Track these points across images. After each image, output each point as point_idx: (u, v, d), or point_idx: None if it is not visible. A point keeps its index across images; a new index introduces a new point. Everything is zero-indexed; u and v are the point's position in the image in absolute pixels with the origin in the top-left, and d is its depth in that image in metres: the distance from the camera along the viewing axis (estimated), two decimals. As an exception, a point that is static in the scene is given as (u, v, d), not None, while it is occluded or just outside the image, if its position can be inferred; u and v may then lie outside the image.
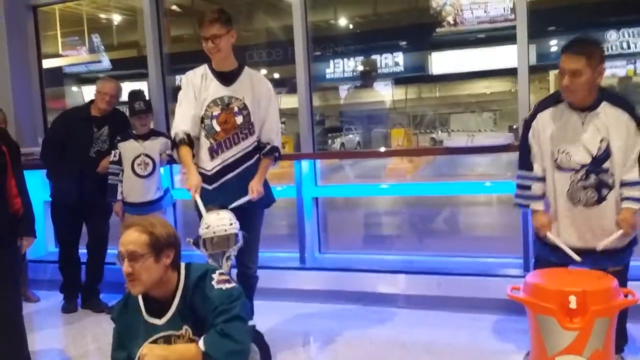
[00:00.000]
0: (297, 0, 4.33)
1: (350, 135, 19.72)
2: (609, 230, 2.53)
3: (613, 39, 13.71)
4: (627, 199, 2.51)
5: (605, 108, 2.51)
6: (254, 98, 2.99)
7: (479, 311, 3.63)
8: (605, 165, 2.50)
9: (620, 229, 2.50)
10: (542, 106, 2.64)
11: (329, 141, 18.56)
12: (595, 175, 2.51)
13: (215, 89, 2.98)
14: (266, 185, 3.08)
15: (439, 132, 17.60)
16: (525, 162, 2.68)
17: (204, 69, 3.03)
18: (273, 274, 4.14)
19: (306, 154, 4.37)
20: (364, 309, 3.86)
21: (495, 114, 17.73)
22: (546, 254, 2.70)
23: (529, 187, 2.67)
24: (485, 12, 14.18)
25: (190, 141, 2.93)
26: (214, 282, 1.95)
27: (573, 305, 2.25)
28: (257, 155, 3.04)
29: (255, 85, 3.02)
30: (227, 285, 1.95)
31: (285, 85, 6.76)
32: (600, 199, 2.53)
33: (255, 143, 3.03)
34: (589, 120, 2.51)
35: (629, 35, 13.54)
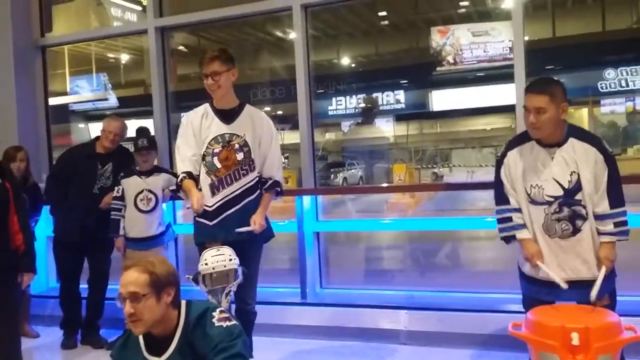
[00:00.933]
0: (299, 39, 4.43)
1: (353, 170, 19.85)
2: (587, 260, 2.58)
3: (611, 77, 13.97)
4: (603, 234, 2.57)
5: (573, 143, 2.59)
6: (254, 135, 3.05)
7: (480, 347, 3.60)
8: (577, 197, 2.56)
9: (603, 267, 2.54)
10: (512, 144, 2.73)
11: (332, 176, 18.69)
12: (568, 208, 2.57)
13: (217, 127, 3.04)
14: (267, 219, 3.11)
15: (441, 167, 17.72)
16: (501, 198, 2.74)
17: (204, 108, 3.10)
18: (273, 310, 4.13)
19: (307, 189, 4.40)
20: (365, 346, 3.83)
21: (495, 150, 17.87)
22: (533, 292, 2.72)
23: (509, 219, 2.72)
24: (484, 51, 14.47)
25: (192, 177, 2.98)
26: (214, 320, 1.96)
27: (576, 342, 2.25)
28: (259, 191, 3.07)
29: (256, 123, 3.08)
30: (228, 323, 1.96)
31: (289, 121, 6.85)
32: (575, 231, 2.58)
33: (256, 179, 3.07)
34: (558, 155, 2.59)
35: (627, 74, 13.79)
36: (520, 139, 2.72)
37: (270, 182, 3.09)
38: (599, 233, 2.59)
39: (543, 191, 2.60)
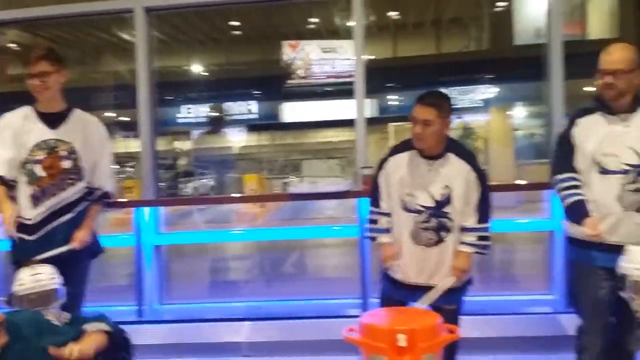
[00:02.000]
0: (141, 43, 4.23)
1: (204, 180, 19.47)
2: (445, 270, 2.73)
3: (443, 95, 15.11)
4: (463, 243, 2.73)
5: (450, 158, 2.72)
6: (84, 142, 2.82)
7: (320, 354, 3.66)
8: (446, 209, 2.70)
9: (451, 278, 2.69)
10: (395, 151, 2.83)
11: (181, 186, 18.14)
12: (436, 219, 2.70)
13: (40, 132, 2.77)
14: (94, 233, 2.89)
15: (291, 177, 18.06)
16: (375, 200, 2.84)
17: (26, 110, 2.82)
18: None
19: (145, 200, 4.19)
20: (206, 361, 3.72)
21: (343, 161, 18.66)
22: (389, 291, 2.85)
23: (376, 221, 2.83)
24: (332, 67, 15.11)
25: (5, 183, 2.68)
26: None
27: (402, 343, 2.35)
28: (87, 203, 2.85)
29: (86, 128, 2.86)
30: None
31: (134, 128, 6.49)
32: (439, 241, 2.72)
33: (86, 189, 2.84)
34: (435, 168, 2.71)
35: (457, 93, 15.19)
36: (403, 147, 2.79)
37: (99, 192, 2.87)
38: (461, 242, 2.73)
39: (416, 200, 2.69)
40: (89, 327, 2.21)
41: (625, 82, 2.49)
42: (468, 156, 2.74)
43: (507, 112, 15.19)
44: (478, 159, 2.79)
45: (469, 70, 14.41)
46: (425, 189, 2.68)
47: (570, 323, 2.73)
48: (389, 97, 13.94)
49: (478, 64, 14.92)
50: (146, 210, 4.16)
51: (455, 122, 15.81)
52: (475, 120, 16.06)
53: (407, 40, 17.31)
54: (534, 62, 4.49)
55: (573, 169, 2.58)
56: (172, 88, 13.87)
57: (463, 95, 14.18)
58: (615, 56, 2.49)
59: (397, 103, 14.63)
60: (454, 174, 2.68)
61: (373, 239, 2.84)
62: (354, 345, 2.50)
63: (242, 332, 3.87)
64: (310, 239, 7.10)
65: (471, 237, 2.70)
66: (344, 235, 4.71)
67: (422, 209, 2.69)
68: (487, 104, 14.44)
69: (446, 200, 2.68)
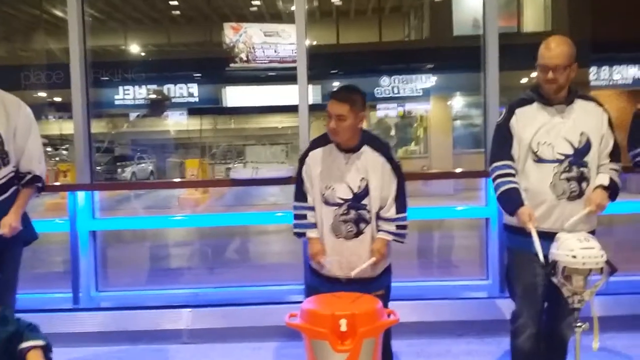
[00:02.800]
0: (74, 20, 4.06)
1: (143, 164, 18.96)
2: (366, 260, 2.77)
3: (386, 84, 15.48)
4: (382, 231, 2.80)
5: (366, 150, 2.78)
6: (8, 125, 2.67)
7: (262, 339, 3.67)
8: (364, 201, 2.75)
9: (372, 257, 2.75)
10: (314, 145, 2.86)
11: (119, 170, 17.61)
12: (355, 211, 2.75)
13: None
14: (26, 219, 2.76)
15: (235, 162, 17.88)
16: (300, 194, 2.86)
17: None
18: (42, 318, 3.69)
19: (81, 184, 4.04)
20: (144, 348, 3.65)
21: (287, 147, 18.65)
22: (317, 283, 2.87)
23: (304, 216, 2.84)
24: (275, 52, 14.96)
25: None
26: None
27: (344, 328, 2.38)
28: (15, 187, 2.71)
29: (9, 110, 2.70)
30: None
31: (68, 110, 6.23)
32: (358, 233, 2.76)
33: (12, 174, 2.70)
34: (352, 161, 2.76)
35: (399, 82, 15.41)
36: (322, 141, 2.82)
37: (29, 176, 2.74)
38: (379, 230, 2.78)
39: (335, 193, 2.73)
40: (25, 345, 2.08)
41: (563, 77, 2.57)
42: (383, 148, 2.81)
43: (447, 102, 15.57)
44: (392, 151, 2.86)
45: (409, 59, 14.65)
46: (343, 182, 2.74)
47: (505, 307, 2.85)
48: (334, 83, 13.99)
49: (418, 53, 15.19)
50: (81, 194, 4.03)
51: (397, 110, 16.07)
52: (416, 109, 16.39)
53: (350, 27, 17.38)
54: (472, 53, 4.60)
55: (510, 158, 2.66)
56: (109, 68, 13.37)
57: (404, 84, 14.40)
58: (556, 51, 2.55)
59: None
60: (370, 166, 2.74)
61: (301, 234, 2.86)
62: (295, 330, 2.52)
63: (182, 319, 3.82)
64: (253, 226, 7.07)
65: (390, 226, 2.77)
66: (287, 222, 4.70)
67: (341, 201, 2.74)
68: (427, 93, 14.73)
69: (364, 192, 2.74)
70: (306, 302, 2.61)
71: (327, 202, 2.76)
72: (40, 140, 2.83)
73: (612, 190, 2.61)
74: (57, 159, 17.47)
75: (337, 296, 2.71)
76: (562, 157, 2.58)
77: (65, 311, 3.90)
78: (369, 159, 2.75)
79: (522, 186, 2.63)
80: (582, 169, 2.58)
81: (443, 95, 15.14)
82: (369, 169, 2.74)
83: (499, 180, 2.64)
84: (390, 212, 2.77)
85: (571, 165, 2.57)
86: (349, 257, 2.76)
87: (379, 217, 2.77)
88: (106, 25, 15.18)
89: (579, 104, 2.65)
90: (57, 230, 4.27)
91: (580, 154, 2.58)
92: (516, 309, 2.75)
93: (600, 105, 2.70)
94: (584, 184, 2.58)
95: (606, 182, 2.60)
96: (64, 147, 17.76)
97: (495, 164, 2.68)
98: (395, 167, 2.78)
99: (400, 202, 2.79)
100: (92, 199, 4.14)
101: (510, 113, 2.68)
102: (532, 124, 2.63)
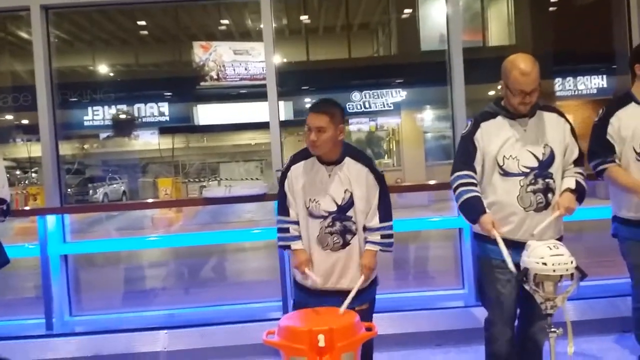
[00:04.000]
0: (39, 42, 4.04)
1: (115, 185, 18.67)
2: (352, 272, 2.80)
3: (357, 99, 15.59)
4: (369, 242, 2.82)
5: (348, 162, 2.81)
6: None
7: (243, 358, 3.64)
8: (349, 213, 2.78)
9: (362, 277, 2.76)
10: (295, 159, 2.88)
11: (91, 191, 17.29)
12: (340, 223, 2.78)
13: None
14: (-2, 244, 2.71)
15: (209, 180, 17.75)
16: (283, 209, 2.88)
17: None
18: (16, 345, 3.67)
19: (50, 208, 3.99)
20: (122, 373, 3.59)
21: (262, 163, 18.60)
22: (303, 298, 2.88)
23: (287, 230, 2.86)
24: (245, 69, 14.98)
25: None
26: None
27: (322, 343, 2.38)
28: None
29: None
30: None
31: (36, 132, 6.15)
32: (345, 244, 2.79)
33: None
34: (335, 173, 2.79)
35: (370, 97, 15.57)
36: (303, 155, 2.85)
37: None
38: (366, 242, 2.81)
39: (320, 206, 2.75)
40: None
41: (536, 95, 2.64)
42: (364, 159, 2.85)
43: (417, 115, 15.76)
44: (374, 162, 2.91)
45: (379, 75, 14.80)
46: (327, 194, 2.76)
47: (482, 315, 2.88)
48: (305, 99, 14.05)
49: (387, 68, 15.36)
50: (51, 218, 3.96)
51: (369, 124, 16.22)
52: (387, 122, 16.55)
53: (319, 44, 17.52)
54: (439, 67, 4.69)
55: (472, 169, 2.70)
56: (78, 89, 13.21)
57: (375, 99, 14.55)
58: (532, 77, 2.59)
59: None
60: (353, 177, 2.77)
61: (286, 247, 2.87)
62: (273, 348, 2.51)
63: (159, 341, 3.77)
64: (229, 243, 7.02)
65: (376, 236, 2.80)
66: (264, 238, 4.70)
67: (325, 214, 2.76)
68: (397, 107, 14.90)
69: (348, 204, 2.77)
70: (284, 319, 2.60)
71: (312, 215, 2.78)
72: (3, 165, 2.79)
73: (580, 193, 2.68)
74: (26, 182, 17.11)
75: (315, 311, 2.71)
76: (528, 170, 2.64)
77: (38, 337, 3.81)
78: (352, 170, 2.78)
79: (490, 199, 2.68)
80: (547, 180, 2.64)
81: (413, 109, 15.33)
82: (352, 180, 2.77)
83: (460, 189, 2.68)
84: (374, 221, 2.80)
85: (536, 178, 2.64)
86: (336, 269, 2.78)
87: (365, 229, 2.80)
88: (73, 46, 15.01)
89: (541, 115, 2.72)
90: (28, 255, 4.20)
91: (544, 165, 2.65)
92: (489, 316, 2.80)
93: (562, 115, 2.77)
94: (549, 195, 2.65)
95: (573, 186, 2.67)
96: (33, 170, 17.41)
97: (457, 174, 2.72)
98: (378, 178, 2.82)
99: (384, 211, 2.82)
100: (62, 222, 4.08)
101: (475, 126, 2.73)
102: (497, 138, 2.68)
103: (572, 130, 2.75)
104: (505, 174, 2.65)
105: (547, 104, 2.81)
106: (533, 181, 2.63)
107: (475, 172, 2.70)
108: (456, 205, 2.76)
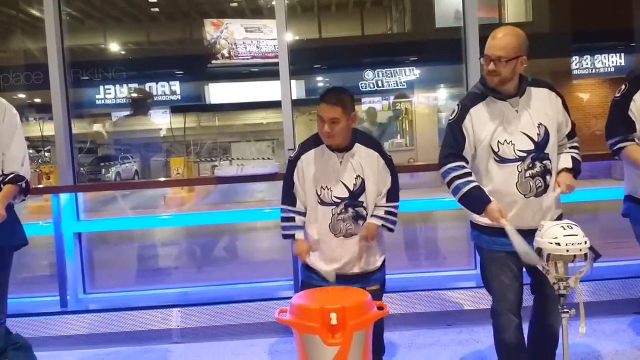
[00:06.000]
0: (51, 20, 4.02)
1: (127, 164, 18.79)
2: (366, 257, 2.82)
3: (370, 77, 15.45)
4: (372, 216, 2.83)
5: (359, 148, 2.81)
6: None
7: (255, 336, 3.68)
8: (360, 199, 2.79)
9: (363, 241, 2.79)
10: (305, 147, 2.86)
11: (103, 171, 17.43)
12: (352, 209, 2.78)
13: None
14: (17, 223, 2.73)
15: (221, 160, 17.79)
16: (288, 197, 2.87)
17: None
18: (30, 322, 3.72)
19: (64, 186, 4.01)
20: (135, 349, 3.63)
21: (273, 143, 18.59)
22: (309, 278, 2.89)
23: (293, 219, 2.86)
24: (257, 47, 14.88)
25: None
26: None
27: (334, 321, 2.39)
28: None
29: None
30: None
31: (48, 110, 6.16)
32: (357, 229, 2.79)
33: (-2, 177, 2.66)
34: (346, 160, 2.79)
35: (383, 75, 15.40)
36: (313, 142, 2.84)
37: (12, 175, 2.70)
38: (371, 216, 2.82)
39: (331, 193, 2.76)
40: None
41: (507, 70, 2.45)
42: (374, 144, 2.85)
43: (431, 94, 15.62)
44: (383, 145, 2.91)
45: (392, 53, 14.65)
46: (339, 181, 2.77)
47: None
48: (317, 78, 13.95)
49: (401, 46, 15.19)
50: (64, 196, 3.99)
51: (382, 103, 16.08)
52: (401, 101, 16.41)
53: (331, 21, 17.35)
54: (454, 45, 4.61)
55: (463, 158, 2.56)
56: (89, 68, 13.22)
57: (388, 78, 14.41)
58: (501, 43, 2.44)
59: (324, 84, 14.68)
60: (365, 163, 2.78)
61: (290, 236, 2.88)
62: (286, 326, 2.52)
63: (172, 319, 3.81)
64: (241, 222, 7.05)
65: (380, 212, 2.82)
66: (275, 218, 4.69)
67: (337, 200, 2.77)
68: (411, 85, 14.76)
69: (360, 189, 2.78)
70: (295, 297, 2.61)
71: (322, 202, 2.79)
72: (25, 143, 2.79)
73: (576, 171, 2.60)
74: (39, 161, 17.27)
75: (326, 290, 2.73)
76: (524, 154, 2.50)
77: (53, 314, 3.87)
78: (363, 156, 2.79)
79: (487, 189, 2.54)
80: (544, 162, 2.52)
81: (427, 87, 15.19)
82: (364, 166, 2.78)
83: (458, 182, 2.54)
84: (382, 202, 2.83)
85: (534, 161, 2.51)
86: (346, 253, 2.80)
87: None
88: (84, 24, 15.01)
89: (530, 93, 2.56)
90: (42, 233, 4.25)
91: (540, 147, 2.52)
92: (496, 306, 2.68)
93: (553, 89, 2.62)
94: (547, 177, 2.54)
95: (569, 165, 2.58)
96: (46, 149, 17.56)
97: (448, 166, 2.57)
98: (388, 162, 2.84)
99: (392, 193, 2.84)
100: (76, 201, 4.11)
101: (463, 112, 2.56)
102: (488, 124, 2.53)
103: (564, 103, 2.61)
104: (501, 160, 2.52)
105: (536, 77, 2.63)
106: (531, 165, 2.51)
107: (465, 160, 2.55)
108: (455, 200, 2.62)
